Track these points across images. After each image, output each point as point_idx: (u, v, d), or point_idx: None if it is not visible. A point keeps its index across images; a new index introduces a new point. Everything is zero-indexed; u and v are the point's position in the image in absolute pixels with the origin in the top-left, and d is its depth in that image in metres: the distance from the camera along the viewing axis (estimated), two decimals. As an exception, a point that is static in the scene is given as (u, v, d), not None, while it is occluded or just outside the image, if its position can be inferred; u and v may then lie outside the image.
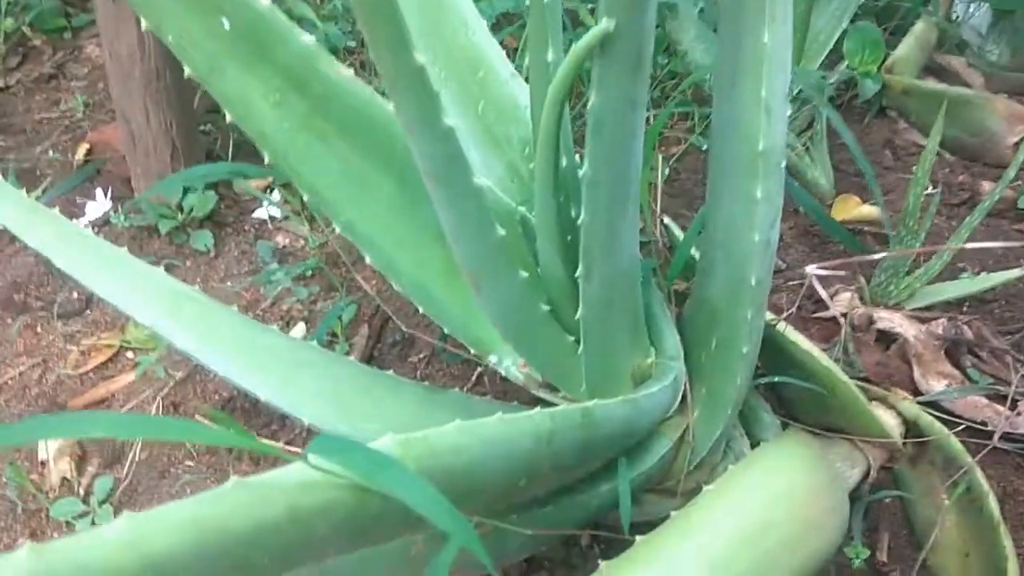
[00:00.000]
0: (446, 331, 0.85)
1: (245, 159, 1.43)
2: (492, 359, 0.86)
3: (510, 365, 0.85)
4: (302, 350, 0.87)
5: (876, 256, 0.89)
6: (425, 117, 0.52)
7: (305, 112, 0.73)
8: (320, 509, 0.45)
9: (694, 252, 0.88)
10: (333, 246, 1.36)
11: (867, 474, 0.96)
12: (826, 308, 1.10)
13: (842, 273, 1.13)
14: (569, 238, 0.67)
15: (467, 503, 0.55)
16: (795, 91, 1.34)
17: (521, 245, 0.72)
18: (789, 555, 0.71)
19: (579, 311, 0.67)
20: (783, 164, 0.65)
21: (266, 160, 0.76)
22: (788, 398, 0.99)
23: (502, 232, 0.61)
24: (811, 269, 0.76)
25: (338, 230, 0.79)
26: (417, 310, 1.25)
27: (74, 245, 0.88)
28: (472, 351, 0.86)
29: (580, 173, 0.58)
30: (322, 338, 1.00)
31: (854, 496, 0.90)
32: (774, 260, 0.73)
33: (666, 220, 0.89)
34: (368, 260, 0.81)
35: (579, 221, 0.59)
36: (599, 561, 0.63)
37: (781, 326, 0.87)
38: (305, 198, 0.77)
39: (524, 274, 0.65)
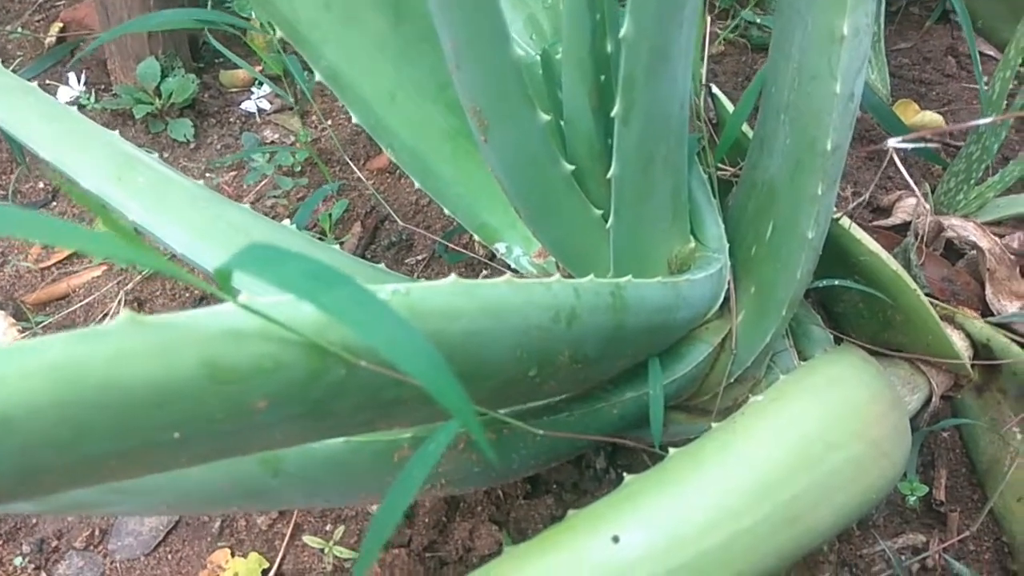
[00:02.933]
0: (447, 211, 0.72)
1: (228, 43, 1.28)
2: (500, 248, 0.73)
3: (521, 256, 0.72)
4: (275, 230, 0.74)
5: (972, 124, 0.75)
6: None
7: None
8: (253, 371, 0.32)
9: (744, 128, 0.73)
10: (327, 142, 1.22)
11: (928, 402, 0.83)
12: (886, 216, 0.96)
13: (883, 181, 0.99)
14: (603, 77, 0.53)
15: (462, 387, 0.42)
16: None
17: (541, 88, 0.58)
18: (852, 480, 0.58)
19: (611, 169, 0.53)
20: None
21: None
22: (840, 313, 0.86)
23: (520, 53, 0.48)
24: (892, 142, 0.62)
25: (318, 76, 0.64)
26: (418, 210, 1.13)
27: (15, 96, 0.74)
28: (477, 239, 0.73)
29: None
30: (303, 225, 0.87)
31: (912, 426, 0.78)
32: (855, 121, 0.58)
33: (714, 90, 0.75)
34: (355, 119, 0.67)
35: (621, 35, 0.45)
36: (615, 468, 0.51)
37: (844, 222, 0.73)
38: (278, 34, 0.62)
39: (544, 117, 0.51)
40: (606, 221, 0.59)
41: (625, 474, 0.52)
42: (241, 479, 0.50)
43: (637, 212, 0.56)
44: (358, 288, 0.31)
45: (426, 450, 0.40)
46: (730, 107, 0.75)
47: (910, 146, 0.68)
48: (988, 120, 0.70)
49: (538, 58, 0.63)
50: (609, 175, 0.53)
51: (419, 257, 1.01)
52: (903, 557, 0.78)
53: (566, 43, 0.52)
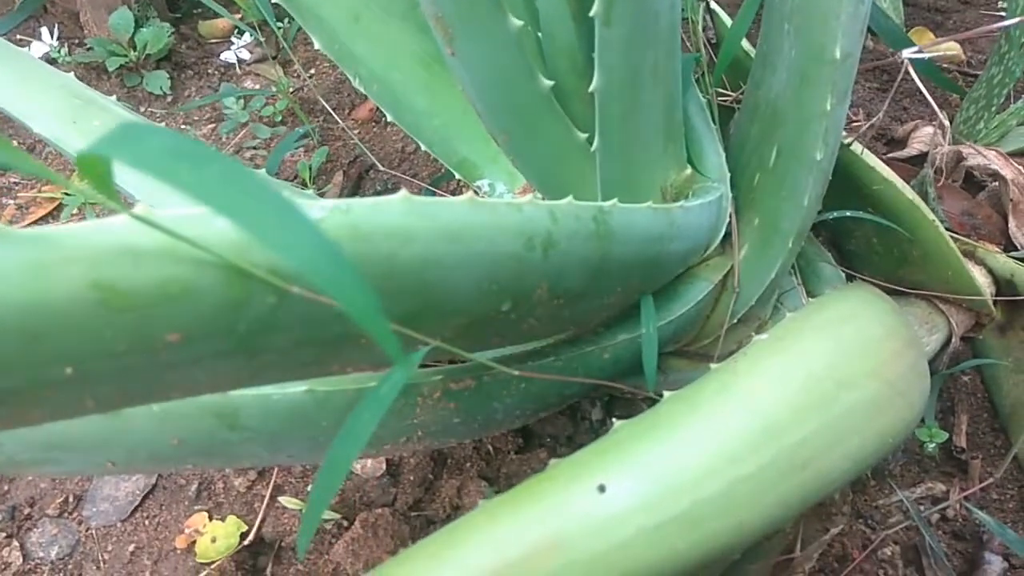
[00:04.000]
0: (423, 147, 0.66)
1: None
2: (483, 186, 0.67)
3: (504, 193, 0.67)
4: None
5: (1002, 24, 0.68)
6: None
7: None
8: (158, 298, 0.27)
9: (746, 47, 0.67)
10: (309, 92, 1.16)
11: (947, 343, 0.78)
12: (901, 147, 0.90)
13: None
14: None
15: (421, 325, 0.38)
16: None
17: (514, -5, 0.52)
18: (866, 423, 0.53)
19: (594, 81, 0.47)
20: None
21: None
22: (852, 251, 0.81)
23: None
24: (907, 53, 0.56)
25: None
26: (404, 158, 1.08)
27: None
28: (457, 176, 0.68)
29: None
30: (273, 170, 0.81)
31: (931, 369, 0.73)
32: (866, 29, 0.52)
33: (712, 5, 0.69)
34: (317, 45, 0.61)
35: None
36: (612, 419, 0.46)
37: (856, 147, 0.67)
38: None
39: (517, 23, 0.46)
40: (591, 144, 0.54)
41: (613, 419, 0.47)
42: (194, 434, 0.46)
43: (625, 132, 0.51)
44: (280, 199, 0.26)
45: (376, 394, 0.35)
46: (729, 23, 0.69)
47: (926, 55, 0.62)
48: (1015, 20, 0.63)
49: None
50: (592, 88, 0.48)
51: (405, 206, 0.96)
52: (921, 507, 0.73)
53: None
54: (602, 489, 0.41)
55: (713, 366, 0.52)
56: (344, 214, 0.33)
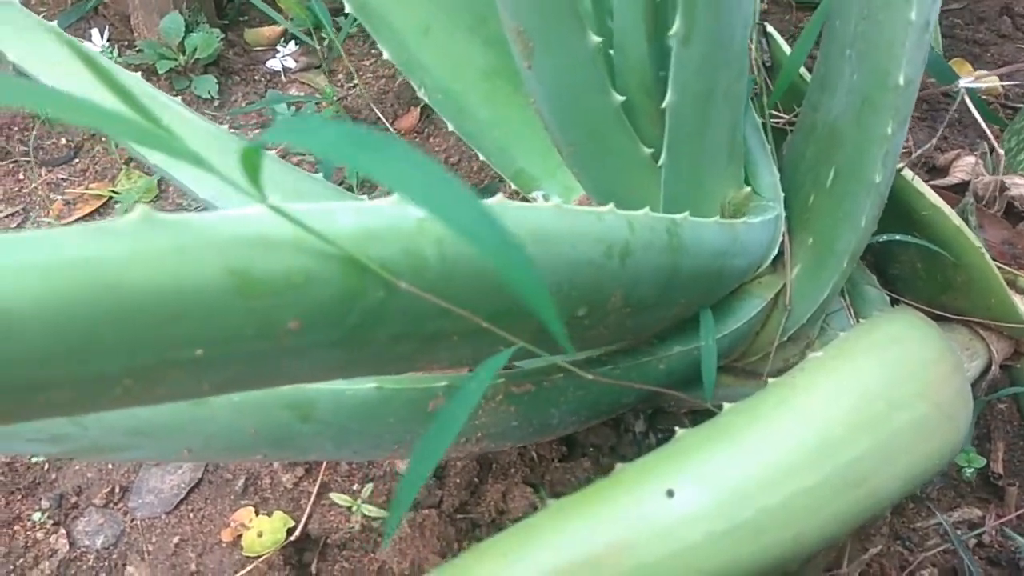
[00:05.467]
0: (481, 156, 0.68)
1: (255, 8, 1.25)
2: (537, 196, 0.69)
3: (561, 204, 0.68)
4: (302, 179, 0.71)
5: None
6: None
7: None
8: (285, 285, 0.29)
9: (801, 73, 0.69)
10: (354, 101, 1.19)
11: (986, 370, 0.79)
12: (942, 176, 0.91)
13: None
14: (658, -1, 0.49)
15: (505, 325, 0.39)
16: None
17: (588, 12, 0.54)
18: (916, 443, 0.54)
19: (667, 97, 0.49)
20: None
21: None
22: (895, 275, 0.82)
23: (572, -39, 0.44)
24: (964, 82, 0.57)
25: (348, 8, 0.61)
26: (448, 167, 1.09)
27: (35, 35, 0.72)
28: (513, 186, 0.69)
29: None
30: (329, 175, 0.83)
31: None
32: (928, 54, 0.54)
33: (769, 29, 0.70)
34: (386, 55, 0.63)
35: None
36: (675, 428, 0.47)
37: (907, 173, 0.69)
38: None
39: (595, 39, 0.47)
40: (656, 160, 0.55)
41: (677, 428, 0.48)
42: (270, 424, 0.47)
43: (693, 148, 0.52)
44: (459, 187, 0.26)
45: (468, 387, 0.36)
46: (786, 48, 0.70)
47: (983, 85, 0.63)
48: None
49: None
50: (664, 105, 0.49)
51: (449, 215, 0.97)
52: (959, 531, 0.74)
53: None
54: (670, 494, 0.42)
55: (770, 380, 0.53)
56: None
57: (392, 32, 0.62)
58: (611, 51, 0.53)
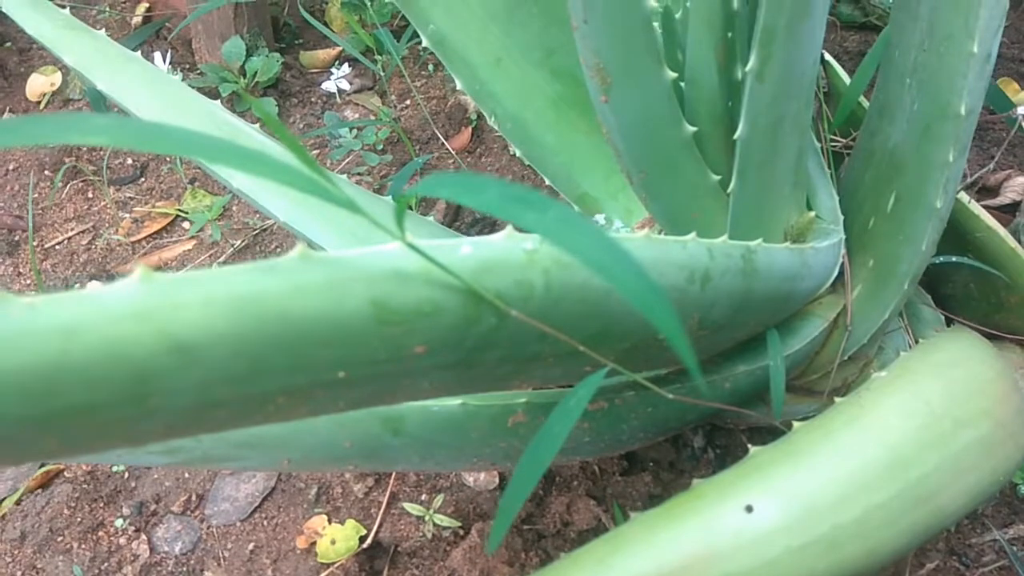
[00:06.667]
0: (546, 181, 0.71)
1: (304, 26, 1.29)
2: (599, 220, 0.71)
3: (621, 228, 0.71)
4: (374, 201, 0.74)
5: None
6: None
7: None
8: (416, 314, 0.32)
9: (861, 101, 0.71)
10: (406, 123, 1.22)
11: (1041, 388, 0.79)
12: (993, 196, 0.92)
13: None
14: (729, 34, 0.51)
15: (596, 347, 0.41)
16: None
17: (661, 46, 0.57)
18: (980, 460, 0.56)
19: (739, 129, 0.51)
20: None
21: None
22: (948, 295, 0.83)
23: (653, 3, 0.46)
24: (1022, 110, 0.59)
25: (425, 42, 0.64)
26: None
27: (117, 64, 0.76)
28: (576, 209, 0.72)
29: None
30: (397, 195, 0.86)
31: None
32: (987, 85, 0.56)
33: (827, 56, 0.72)
34: (459, 85, 0.66)
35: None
36: (730, 444, 0.49)
37: (963, 196, 0.70)
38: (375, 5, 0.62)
39: (671, 75, 0.50)
40: (724, 187, 0.57)
41: (719, 452, 0.50)
42: (364, 437, 0.50)
43: (761, 176, 0.55)
44: (601, 234, 0.29)
45: (568, 404, 0.39)
46: (843, 75, 0.73)
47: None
48: None
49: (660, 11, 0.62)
50: (736, 136, 0.52)
51: (504, 234, 1.00)
52: (1015, 548, 0.75)
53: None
54: (749, 509, 0.45)
55: (837, 400, 0.55)
56: (551, 246, 0.37)
57: (465, 64, 0.65)
58: (682, 83, 0.55)
